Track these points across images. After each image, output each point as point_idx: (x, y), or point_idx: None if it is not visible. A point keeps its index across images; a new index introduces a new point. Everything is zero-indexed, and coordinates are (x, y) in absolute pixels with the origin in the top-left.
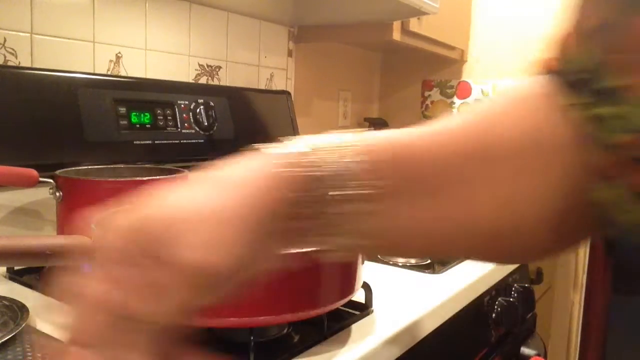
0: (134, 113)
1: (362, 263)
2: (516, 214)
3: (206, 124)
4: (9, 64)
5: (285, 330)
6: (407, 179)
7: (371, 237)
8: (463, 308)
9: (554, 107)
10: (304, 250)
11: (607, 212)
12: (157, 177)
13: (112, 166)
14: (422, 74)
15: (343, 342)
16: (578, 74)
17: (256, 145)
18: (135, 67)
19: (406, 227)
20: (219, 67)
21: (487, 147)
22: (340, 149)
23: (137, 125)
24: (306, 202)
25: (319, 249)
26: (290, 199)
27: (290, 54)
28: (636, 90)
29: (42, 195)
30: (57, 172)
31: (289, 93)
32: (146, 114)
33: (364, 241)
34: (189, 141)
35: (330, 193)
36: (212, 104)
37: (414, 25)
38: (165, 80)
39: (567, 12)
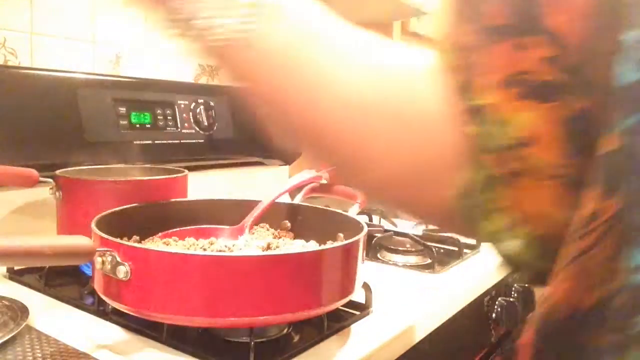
0: (134, 113)
1: (362, 262)
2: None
3: (206, 124)
4: (9, 64)
5: (285, 330)
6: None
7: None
8: (463, 308)
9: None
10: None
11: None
12: (157, 177)
13: (112, 166)
14: None
15: (343, 342)
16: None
17: None
18: (135, 67)
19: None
20: (219, 67)
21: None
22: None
23: (137, 125)
24: None
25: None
26: None
27: None
28: (492, 109)
29: (42, 195)
30: (57, 172)
31: None
32: (146, 114)
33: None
34: (189, 141)
35: None
36: (212, 104)
37: (413, 25)
38: (165, 80)
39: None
